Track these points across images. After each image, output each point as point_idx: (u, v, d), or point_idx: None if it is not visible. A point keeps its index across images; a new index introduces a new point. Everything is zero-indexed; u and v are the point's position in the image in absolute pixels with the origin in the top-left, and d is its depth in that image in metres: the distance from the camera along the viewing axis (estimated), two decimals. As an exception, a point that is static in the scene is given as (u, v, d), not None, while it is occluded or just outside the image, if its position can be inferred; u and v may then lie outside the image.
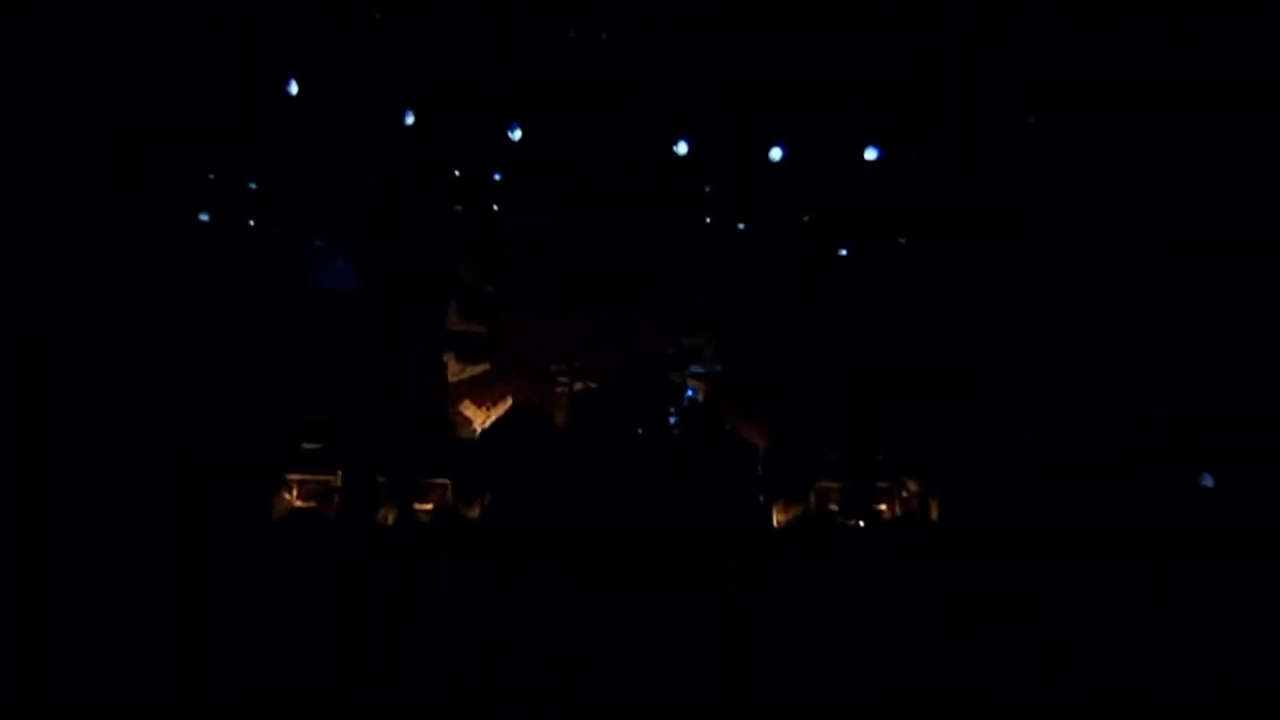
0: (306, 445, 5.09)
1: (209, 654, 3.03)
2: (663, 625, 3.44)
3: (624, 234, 6.39)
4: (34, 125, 4.63)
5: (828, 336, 5.86)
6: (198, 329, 5.21)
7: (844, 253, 6.29)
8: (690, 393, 5.81)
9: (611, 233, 6.36)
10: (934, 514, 4.49)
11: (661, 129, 5.66)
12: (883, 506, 4.63)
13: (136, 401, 4.71)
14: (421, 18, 5.14)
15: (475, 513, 4.66)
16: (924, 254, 5.85)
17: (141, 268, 5.02)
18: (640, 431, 5.00)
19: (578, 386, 5.70)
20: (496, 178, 5.99)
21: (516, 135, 5.63)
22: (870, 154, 5.57)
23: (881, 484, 4.64)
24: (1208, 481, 3.83)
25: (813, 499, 4.69)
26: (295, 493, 5.00)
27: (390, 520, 4.65)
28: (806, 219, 6.18)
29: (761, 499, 4.64)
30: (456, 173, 5.90)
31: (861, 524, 4.59)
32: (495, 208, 6.25)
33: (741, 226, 6.36)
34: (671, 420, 5.52)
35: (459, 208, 6.20)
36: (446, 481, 5.04)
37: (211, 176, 5.43)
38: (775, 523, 4.53)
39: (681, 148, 5.71)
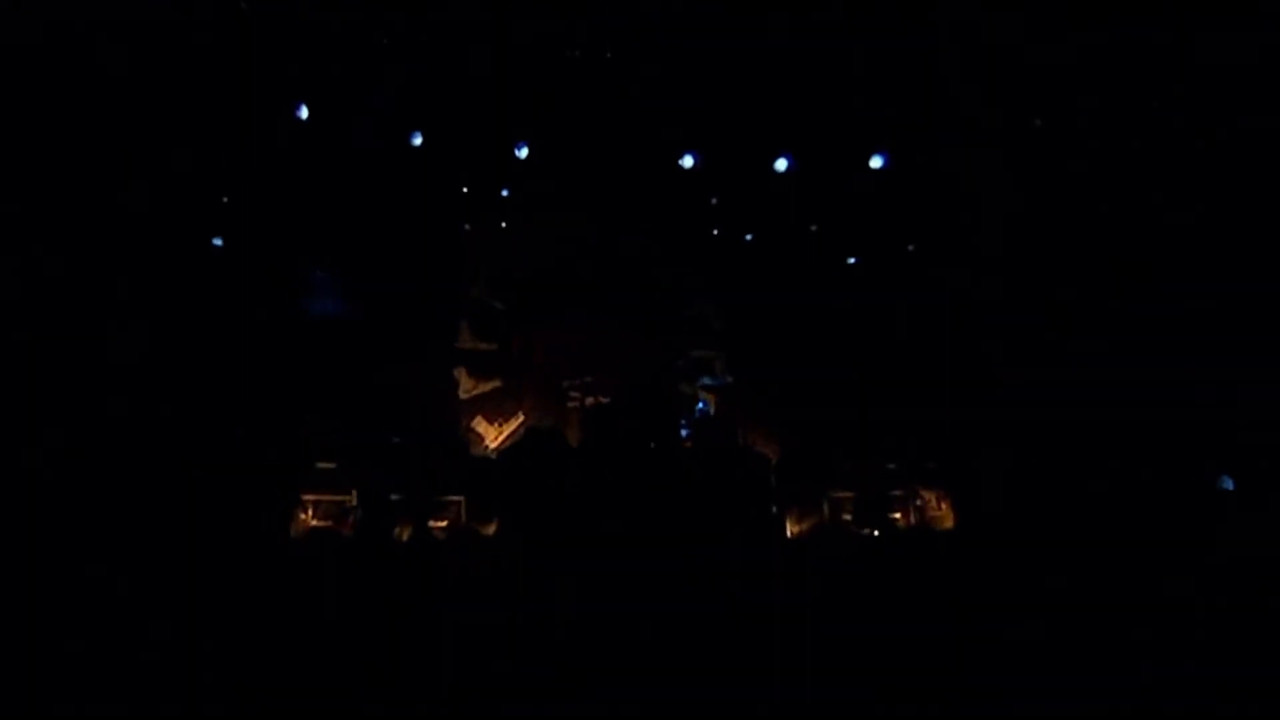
0: (322, 465, 5.11)
1: (220, 667, 3.04)
2: (673, 636, 3.44)
3: (632, 248, 6.41)
4: (36, 130, 4.67)
5: (837, 346, 5.85)
6: (206, 351, 5.25)
7: (852, 261, 6.30)
8: (701, 405, 5.82)
9: (619, 247, 6.38)
10: (948, 522, 4.48)
11: (667, 141, 5.69)
12: (897, 515, 4.61)
13: (148, 422, 4.74)
14: (426, 33, 5.18)
15: (489, 530, 4.68)
16: (931, 259, 5.85)
17: (149, 286, 5.05)
18: (652, 445, 5.01)
19: (589, 402, 5.71)
20: (504, 194, 6.04)
21: (523, 153, 5.68)
22: (875, 162, 5.59)
23: (895, 492, 4.64)
24: (1228, 484, 3.80)
25: (826, 509, 4.69)
26: (311, 512, 5.03)
27: (405, 537, 4.68)
28: (814, 228, 6.20)
29: (775, 510, 4.65)
30: (464, 190, 5.95)
31: (876, 533, 4.59)
32: (504, 225, 6.30)
33: (749, 238, 6.38)
34: (683, 433, 5.52)
35: (467, 226, 6.24)
36: (460, 499, 5.06)
37: (220, 198, 5.48)
38: (789, 533, 4.54)
39: (687, 161, 5.74)
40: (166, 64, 4.91)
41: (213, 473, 4.72)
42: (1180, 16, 4.43)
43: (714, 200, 6.12)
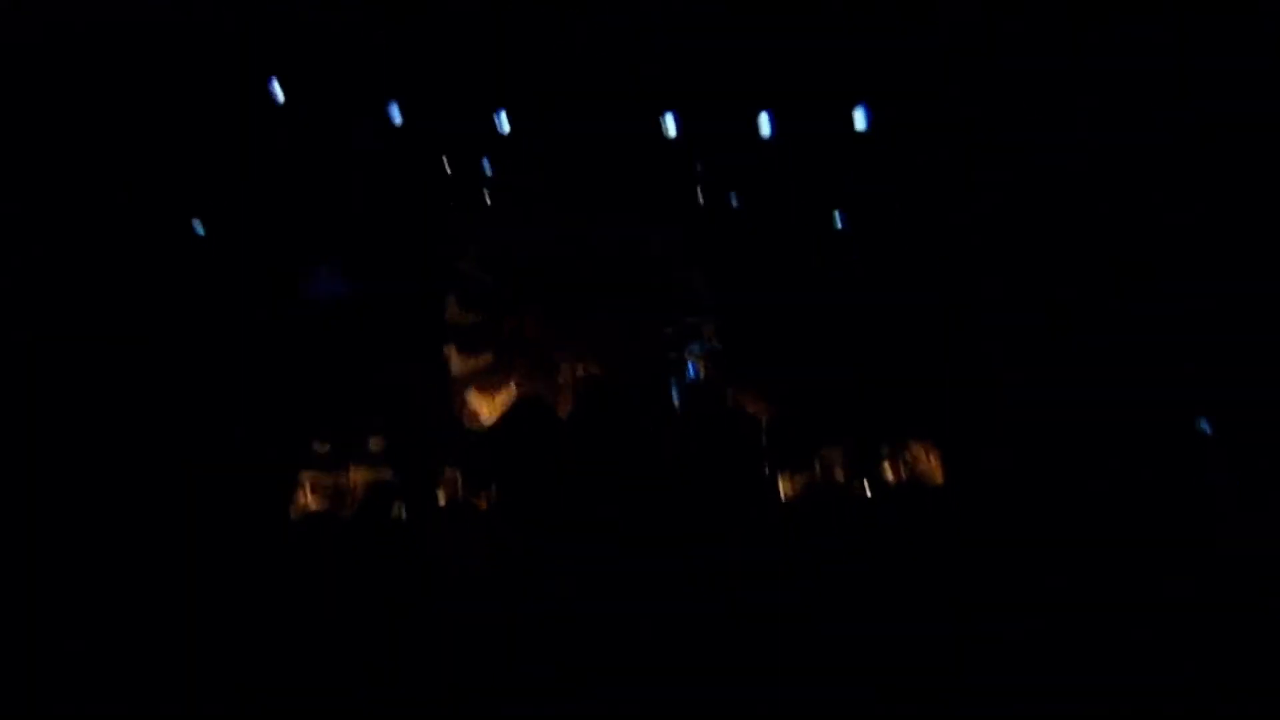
0: (316, 446, 5.15)
1: (217, 657, 3.08)
2: (670, 619, 3.49)
3: (619, 216, 6.40)
4: (28, 126, 4.66)
5: (827, 310, 5.88)
6: (196, 332, 5.26)
7: (840, 225, 6.29)
8: (691, 371, 5.85)
9: (606, 216, 6.37)
10: (938, 477, 4.53)
11: (650, 107, 5.66)
12: (888, 472, 4.66)
13: (138, 406, 4.76)
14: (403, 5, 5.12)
15: (484, 504, 4.73)
16: (923, 225, 5.85)
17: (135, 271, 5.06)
18: (645, 413, 5.04)
19: (580, 373, 5.74)
20: (487, 166, 6.01)
21: (504, 123, 5.65)
22: (859, 121, 5.57)
23: (885, 448, 4.68)
24: (1205, 427, 3.85)
25: (819, 468, 4.74)
26: (308, 492, 5.07)
27: (401, 515, 4.73)
28: (800, 192, 6.18)
29: (767, 471, 4.70)
30: (445, 161, 5.92)
31: (868, 491, 4.64)
32: (488, 198, 6.28)
33: (735, 204, 6.37)
34: (675, 399, 5.56)
35: (452, 201, 6.22)
36: (456, 473, 5.10)
37: (198, 179, 5.45)
38: (782, 495, 4.59)
39: (670, 127, 5.72)
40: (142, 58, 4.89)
41: (208, 460, 4.77)
42: (1180, 16, 4.43)
43: (699, 166, 6.10)
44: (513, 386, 6.10)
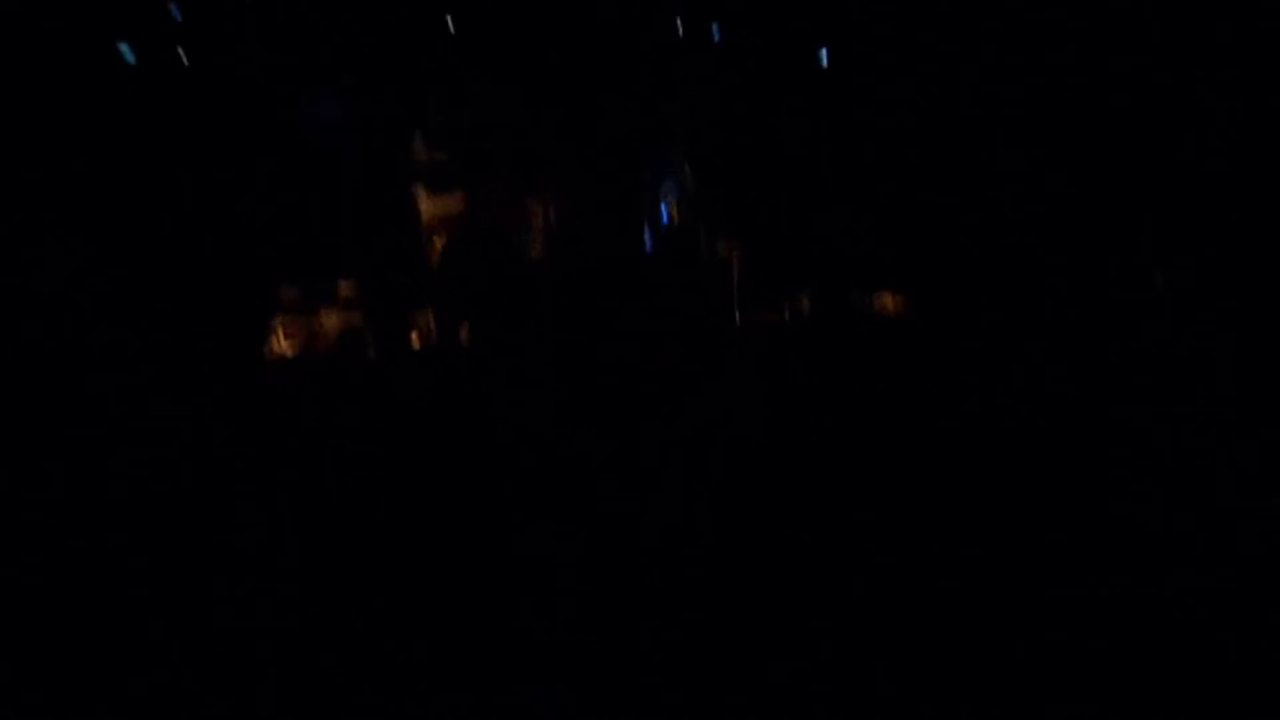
0: (287, 290, 5.12)
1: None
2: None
3: (588, 44, 6.07)
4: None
5: (806, 149, 5.73)
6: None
7: (825, 61, 6.02)
8: (664, 212, 5.75)
9: (575, 43, 6.04)
10: (905, 315, 4.60)
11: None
12: (858, 317, 4.72)
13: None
14: None
15: (461, 338, 4.77)
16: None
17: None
18: (616, 255, 5.02)
19: (551, 215, 5.62)
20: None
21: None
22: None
23: (855, 294, 4.72)
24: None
25: (787, 309, 4.80)
26: (281, 336, 5.09)
27: (374, 355, 4.77)
28: (785, 25, 5.88)
29: (737, 313, 4.75)
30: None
31: (836, 332, 4.71)
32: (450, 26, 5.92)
33: (716, 35, 6.05)
34: (646, 239, 5.51)
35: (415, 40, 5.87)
36: (429, 312, 5.12)
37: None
38: (749, 334, 4.66)
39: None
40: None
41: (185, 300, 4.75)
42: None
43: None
44: (483, 228, 5.99)
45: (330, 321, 5.00)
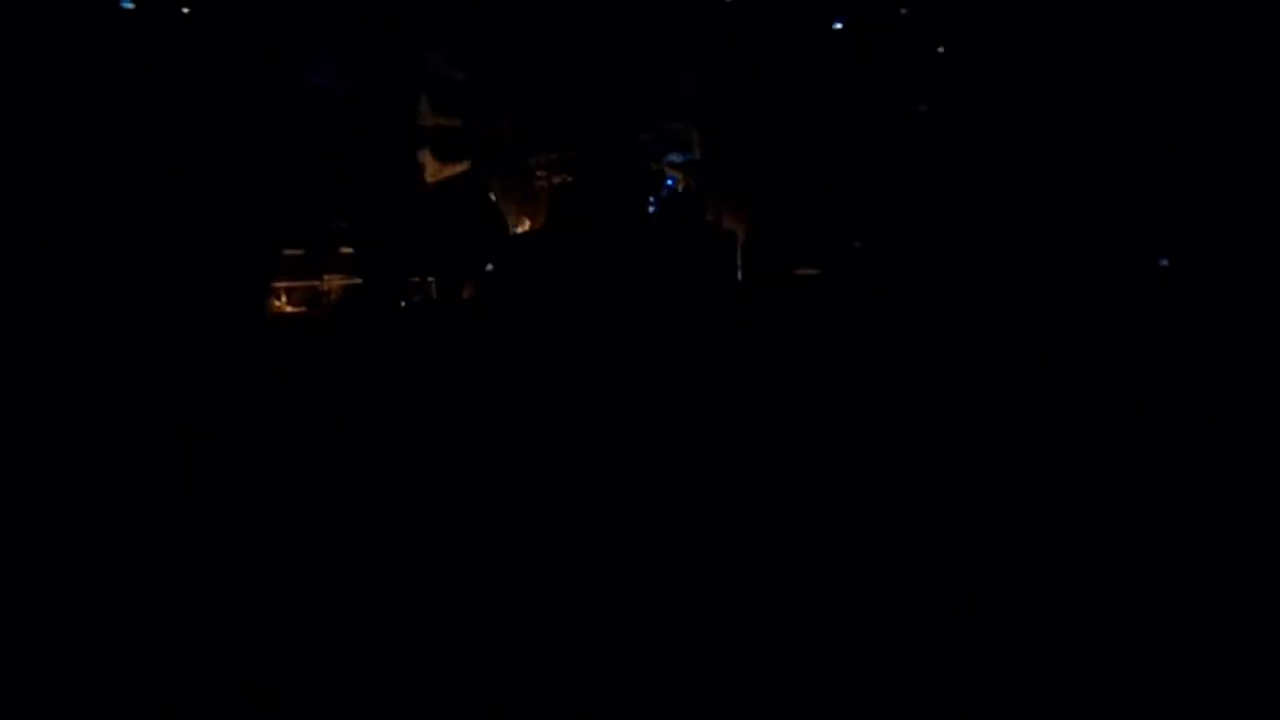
0: (289, 252, 5.09)
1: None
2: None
3: (603, 12, 5.97)
4: None
5: (816, 123, 5.63)
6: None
7: (839, 26, 5.91)
8: (670, 182, 5.69)
9: (590, 11, 5.94)
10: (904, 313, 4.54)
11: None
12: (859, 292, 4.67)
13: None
14: None
15: (463, 299, 4.74)
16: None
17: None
18: (620, 223, 4.97)
19: (556, 180, 5.57)
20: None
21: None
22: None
23: (859, 273, 4.67)
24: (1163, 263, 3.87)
25: (791, 286, 4.75)
26: (284, 299, 5.08)
27: (376, 318, 4.76)
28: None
29: (741, 288, 4.71)
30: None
31: (838, 312, 4.67)
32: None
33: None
34: (651, 209, 5.45)
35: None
36: (430, 279, 5.09)
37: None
38: (752, 311, 4.62)
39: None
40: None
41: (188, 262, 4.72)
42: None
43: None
44: (489, 195, 5.94)
45: (333, 286, 4.99)
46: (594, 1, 5.96)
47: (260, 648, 2.35)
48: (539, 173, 5.68)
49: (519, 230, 5.67)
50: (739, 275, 4.76)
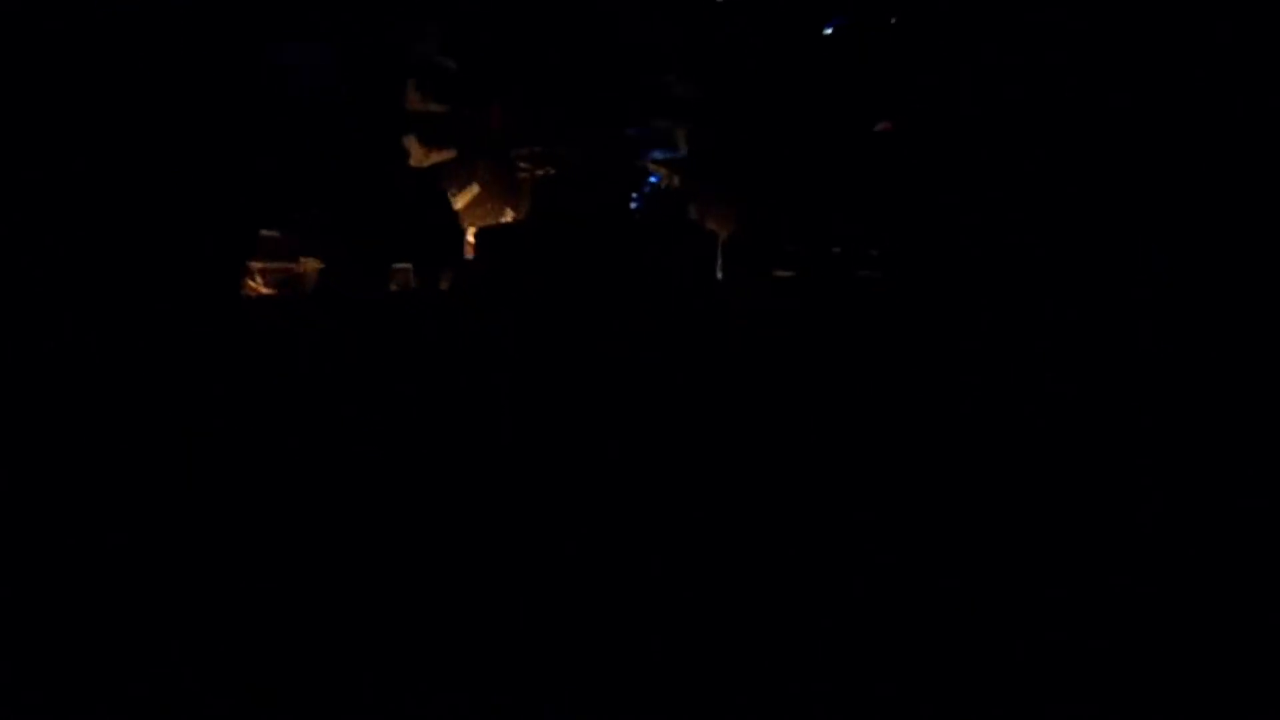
0: (266, 233, 5.04)
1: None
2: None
3: (597, 9, 5.94)
4: None
5: (807, 122, 5.63)
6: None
7: (830, 30, 5.90)
8: (654, 179, 5.68)
9: (586, 8, 5.91)
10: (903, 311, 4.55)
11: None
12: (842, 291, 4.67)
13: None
14: None
15: (444, 287, 4.71)
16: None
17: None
18: (602, 220, 4.95)
19: (539, 173, 5.55)
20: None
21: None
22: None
23: (839, 277, 4.67)
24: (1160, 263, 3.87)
25: (773, 287, 4.75)
26: (261, 280, 5.03)
27: (354, 303, 4.72)
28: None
29: (721, 285, 4.71)
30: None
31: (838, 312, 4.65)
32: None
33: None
34: (634, 205, 5.44)
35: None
36: (408, 266, 5.06)
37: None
38: (731, 311, 4.62)
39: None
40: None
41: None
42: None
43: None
44: (475, 185, 5.91)
45: (309, 268, 4.94)
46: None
47: (260, 648, 2.33)
48: (521, 165, 5.66)
49: (502, 221, 5.64)
50: (718, 274, 4.76)
